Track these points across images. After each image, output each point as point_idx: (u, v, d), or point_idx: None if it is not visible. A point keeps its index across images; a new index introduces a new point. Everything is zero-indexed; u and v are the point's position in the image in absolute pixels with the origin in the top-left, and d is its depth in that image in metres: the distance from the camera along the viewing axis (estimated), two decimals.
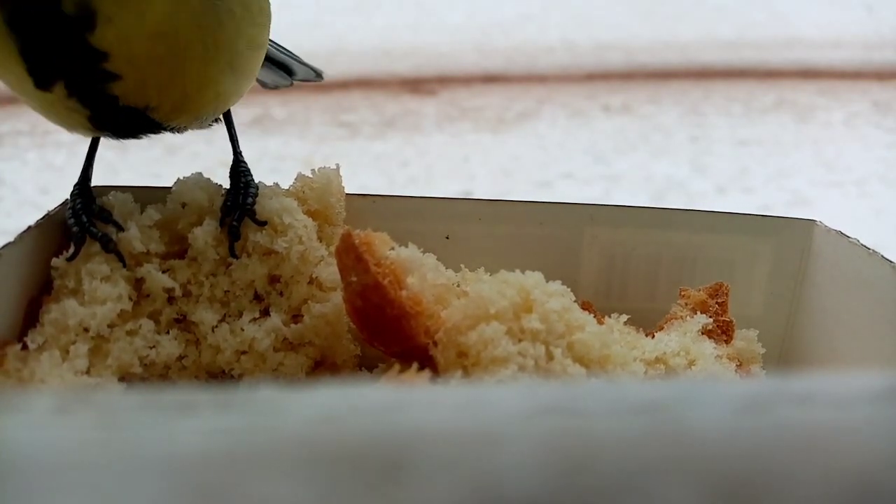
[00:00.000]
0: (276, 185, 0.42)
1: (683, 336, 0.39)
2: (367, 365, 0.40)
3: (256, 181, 0.41)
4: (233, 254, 0.39)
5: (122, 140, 0.39)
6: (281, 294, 0.40)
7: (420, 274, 0.34)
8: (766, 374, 0.41)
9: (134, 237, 0.38)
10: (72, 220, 0.38)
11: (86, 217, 0.38)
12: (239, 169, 0.41)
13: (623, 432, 0.13)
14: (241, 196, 0.40)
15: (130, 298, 0.37)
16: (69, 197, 0.39)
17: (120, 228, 0.38)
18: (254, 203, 0.40)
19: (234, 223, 0.39)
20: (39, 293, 0.37)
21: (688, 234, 0.45)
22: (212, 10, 0.34)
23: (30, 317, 0.37)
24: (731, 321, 0.41)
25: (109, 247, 0.37)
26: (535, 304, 0.33)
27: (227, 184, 0.41)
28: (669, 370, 0.37)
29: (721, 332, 0.40)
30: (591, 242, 0.45)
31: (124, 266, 0.37)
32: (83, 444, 0.12)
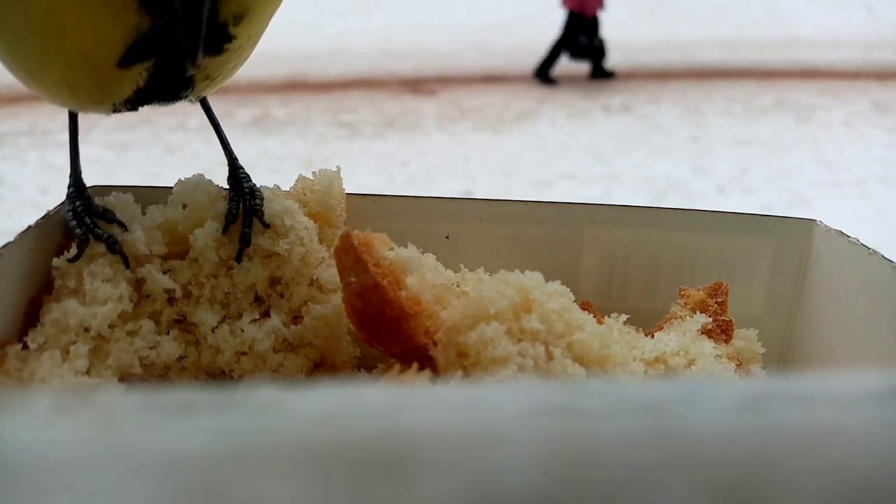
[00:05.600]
0: (277, 187, 0.42)
1: (683, 336, 0.39)
2: (367, 366, 0.40)
3: (257, 184, 0.42)
4: (240, 260, 0.39)
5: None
6: (281, 296, 0.40)
7: (419, 274, 0.34)
8: (766, 374, 0.41)
9: (139, 239, 0.38)
10: (74, 223, 0.38)
11: (89, 219, 0.38)
12: (239, 175, 0.41)
13: (623, 432, 0.13)
14: (248, 201, 0.40)
15: (131, 299, 0.37)
16: (66, 198, 0.39)
17: (124, 228, 0.38)
18: (261, 205, 0.40)
19: (247, 230, 0.39)
20: (39, 293, 0.37)
21: (688, 234, 0.45)
22: None
23: (30, 317, 0.37)
24: (731, 321, 0.41)
25: (115, 248, 0.37)
26: (535, 304, 0.33)
27: (226, 185, 0.41)
28: (669, 370, 0.37)
29: (721, 331, 0.40)
30: (591, 242, 0.45)
31: (128, 268, 0.37)
32: (83, 444, 0.12)
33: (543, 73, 4.37)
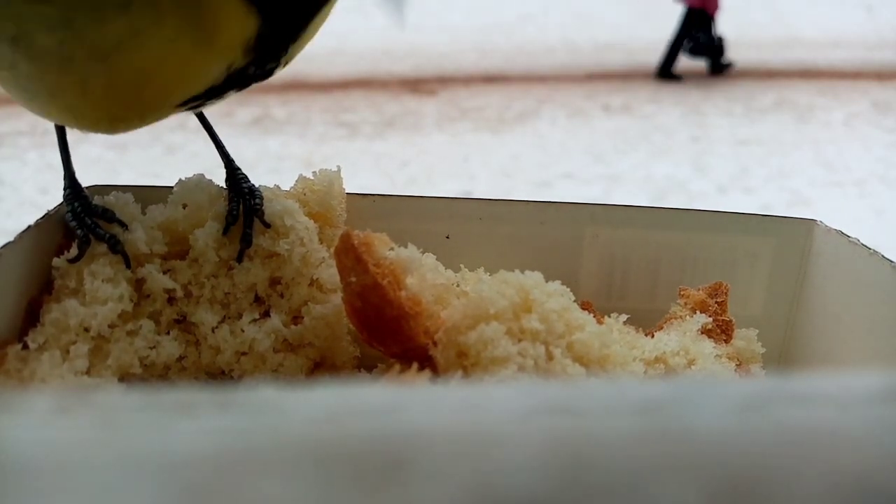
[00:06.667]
0: (277, 187, 0.42)
1: (683, 336, 0.39)
2: (367, 366, 0.40)
3: (256, 184, 0.42)
4: (241, 260, 0.39)
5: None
6: (282, 296, 0.40)
7: (419, 274, 0.34)
8: (766, 373, 0.41)
9: (139, 239, 0.38)
10: (74, 223, 0.38)
11: (90, 219, 0.38)
12: (237, 176, 0.41)
13: (623, 432, 0.13)
14: (248, 201, 0.40)
15: (131, 299, 0.37)
16: (63, 200, 0.39)
17: (125, 228, 0.38)
18: (261, 204, 0.40)
19: (248, 230, 0.39)
20: (39, 293, 0.37)
21: (688, 234, 0.45)
22: None
23: (30, 316, 0.37)
24: (731, 321, 0.41)
25: (117, 248, 0.37)
26: (535, 304, 0.33)
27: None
28: (669, 370, 0.37)
29: (721, 331, 0.40)
30: (591, 242, 0.45)
31: (129, 268, 0.37)
32: (83, 444, 0.12)
33: (666, 72, 4.43)
